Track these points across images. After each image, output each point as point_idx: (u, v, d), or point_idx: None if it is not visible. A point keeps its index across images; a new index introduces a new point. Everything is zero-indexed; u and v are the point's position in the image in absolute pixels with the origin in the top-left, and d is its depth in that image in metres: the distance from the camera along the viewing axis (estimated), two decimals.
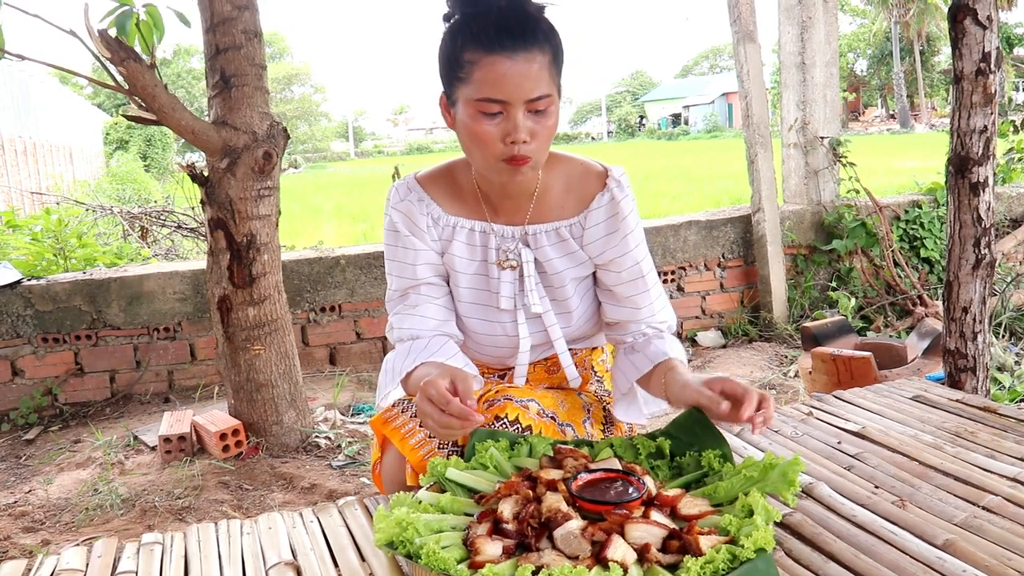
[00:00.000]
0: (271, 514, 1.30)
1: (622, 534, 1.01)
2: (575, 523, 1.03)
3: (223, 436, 2.93)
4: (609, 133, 58.12)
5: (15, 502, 2.78)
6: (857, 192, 4.70)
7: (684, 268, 4.55)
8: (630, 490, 1.09)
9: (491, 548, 1.01)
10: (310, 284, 4.00)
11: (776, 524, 1.16)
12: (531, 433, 1.33)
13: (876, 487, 1.29)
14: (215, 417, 3.05)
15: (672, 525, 1.04)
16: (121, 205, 7.78)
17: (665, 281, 4.50)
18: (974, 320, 2.04)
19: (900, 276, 4.63)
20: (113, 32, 2.58)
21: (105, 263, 4.50)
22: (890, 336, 4.12)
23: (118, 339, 3.76)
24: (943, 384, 2.03)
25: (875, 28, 41.44)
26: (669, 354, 1.40)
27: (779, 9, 4.80)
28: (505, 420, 1.34)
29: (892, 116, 44.84)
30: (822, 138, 4.75)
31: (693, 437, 1.25)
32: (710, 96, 53.19)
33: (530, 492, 1.10)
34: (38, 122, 12.97)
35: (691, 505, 1.10)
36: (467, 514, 1.12)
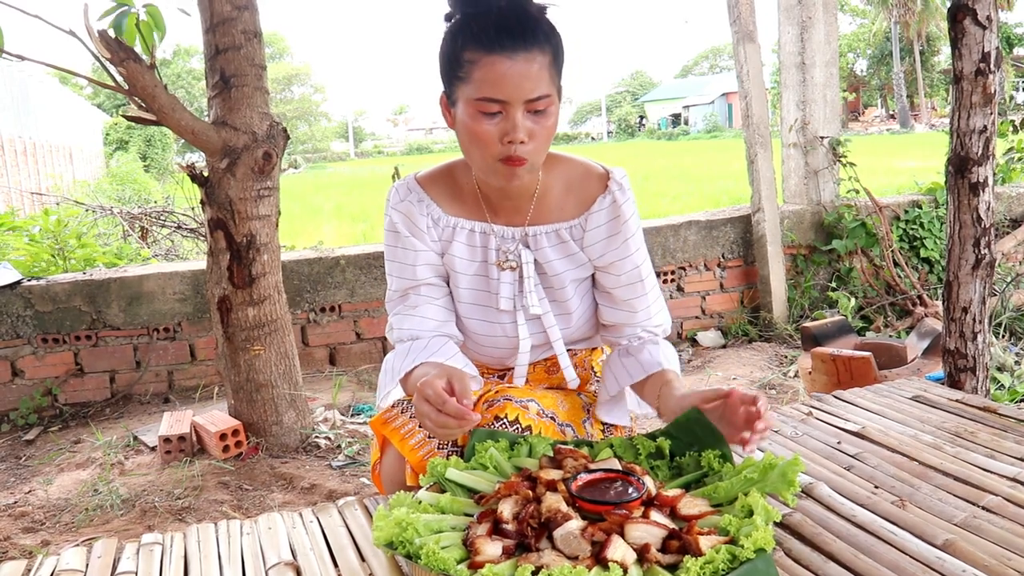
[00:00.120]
0: (271, 514, 1.31)
1: (622, 534, 1.01)
2: (575, 523, 1.03)
3: (223, 436, 2.93)
4: (609, 133, 58.14)
5: (15, 502, 2.78)
6: (857, 192, 4.70)
7: (684, 268, 4.55)
8: (630, 490, 1.09)
9: (491, 548, 1.01)
10: (310, 284, 4.00)
11: (776, 524, 1.16)
12: (531, 433, 1.33)
13: (876, 487, 1.29)
14: (215, 417, 3.05)
15: (672, 525, 1.04)
16: (121, 205, 7.78)
17: (665, 281, 4.50)
18: (974, 320, 2.04)
19: (900, 276, 4.63)
20: (113, 32, 2.58)
21: (105, 263, 4.50)
22: (890, 336, 4.11)
23: (118, 339, 3.76)
24: (943, 384, 2.03)
25: (875, 28, 41.47)
26: (663, 364, 1.41)
27: (779, 9, 4.80)
28: (505, 420, 1.34)
29: (892, 116, 44.86)
30: (822, 138, 4.75)
31: (693, 437, 1.25)
32: (710, 96, 53.19)
33: (530, 492, 1.10)
34: (38, 122, 12.99)
35: (691, 505, 1.10)
36: (467, 514, 1.12)
